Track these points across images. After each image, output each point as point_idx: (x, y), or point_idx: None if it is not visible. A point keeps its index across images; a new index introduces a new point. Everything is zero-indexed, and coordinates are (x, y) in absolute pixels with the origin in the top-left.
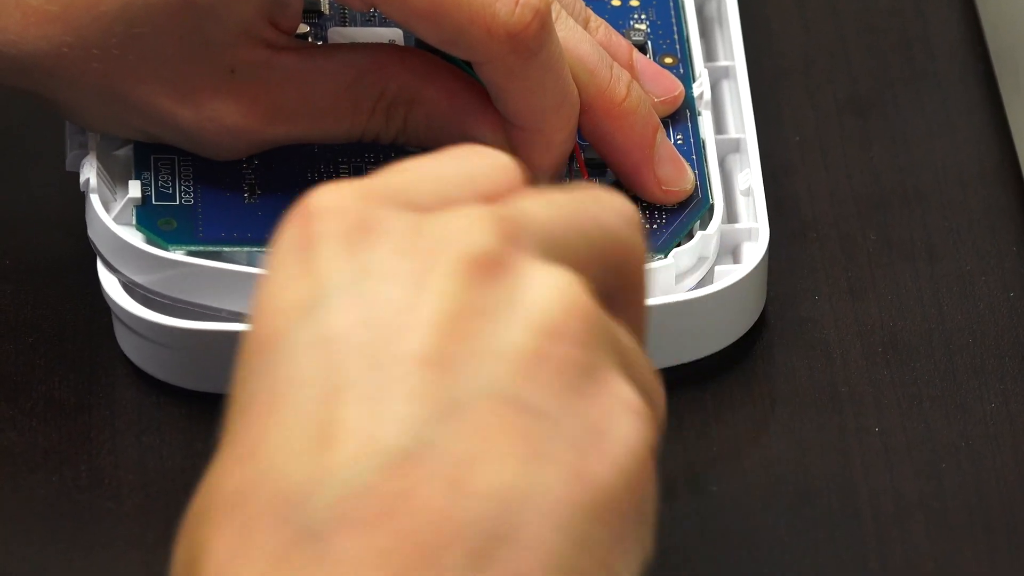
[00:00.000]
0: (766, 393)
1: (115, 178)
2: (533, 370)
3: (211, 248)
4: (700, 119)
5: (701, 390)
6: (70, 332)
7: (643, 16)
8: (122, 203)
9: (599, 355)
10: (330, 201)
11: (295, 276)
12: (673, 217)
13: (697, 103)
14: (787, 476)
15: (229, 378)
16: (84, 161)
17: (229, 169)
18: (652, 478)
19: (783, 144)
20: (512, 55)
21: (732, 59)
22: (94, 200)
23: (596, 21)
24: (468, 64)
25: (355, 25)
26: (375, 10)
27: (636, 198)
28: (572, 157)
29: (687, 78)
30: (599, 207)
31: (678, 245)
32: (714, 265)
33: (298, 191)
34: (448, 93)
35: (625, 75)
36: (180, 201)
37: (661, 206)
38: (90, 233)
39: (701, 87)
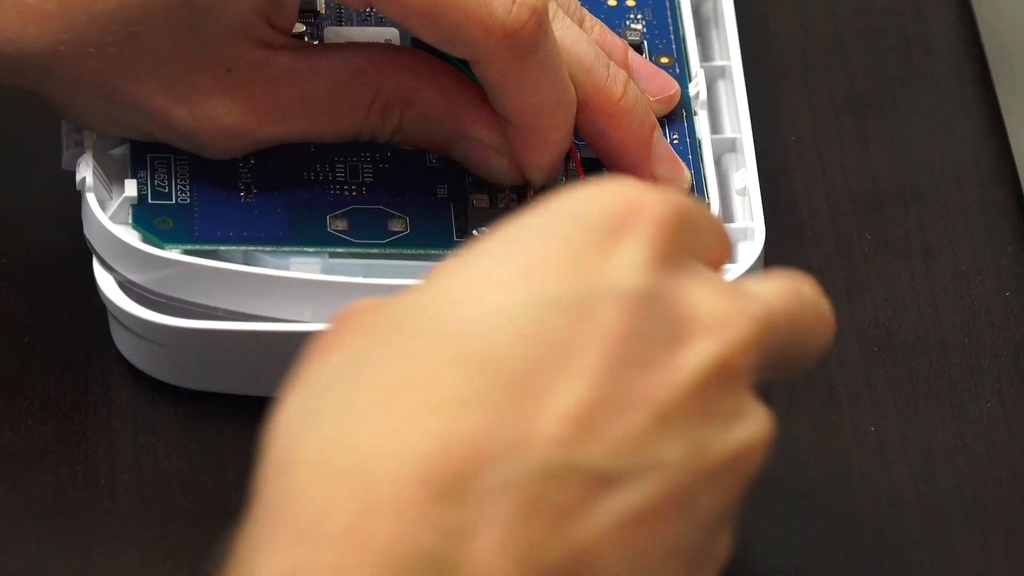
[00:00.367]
0: (761, 391)
1: (111, 177)
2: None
3: (207, 247)
4: (696, 119)
5: None
6: (66, 331)
7: (639, 16)
8: (118, 202)
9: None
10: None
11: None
12: None
13: (693, 103)
14: (783, 475)
15: (225, 377)
16: (80, 160)
17: (225, 168)
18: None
19: (780, 143)
20: (509, 53)
21: (728, 59)
22: (90, 199)
23: (591, 20)
24: (465, 64)
25: (351, 25)
26: (371, 9)
27: None
28: (568, 156)
29: (683, 78)
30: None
31: None
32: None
33: (294, 190)
34: (444, 92)
35: (622, 74)
36: (176, 200)
37: None
38: (86, 232)
39: (697, 87)
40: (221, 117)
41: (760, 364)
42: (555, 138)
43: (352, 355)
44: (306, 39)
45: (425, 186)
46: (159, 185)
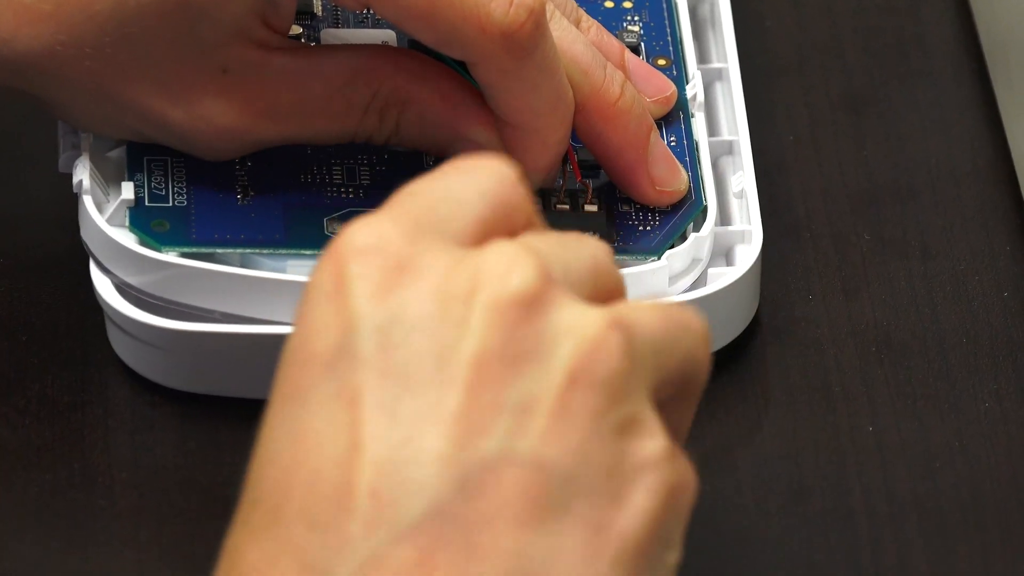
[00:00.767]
0: (759, 392)
1: (108, 179)
2: (556, 426)
3: (204, 249)
4: (693, 121)
5: None
6: (63, 331)
7: (636, 18)
8: (115, 205)
9: (623, 397)
10: (364, 239)
11: (323, 321)
12: (667, 219)
13: (690, 105)
14: (781, 475)
15: (221, 379)
16: (77, 163)
17: (222, 170)
18: (679, 509)
19: (777, 142)
20: (506, 55)
21: (725, 61)
22: (87, 202)
23: (588, 21)
24: (462, 65)
25: (348, 27)
26: (368, 11)
27: (630, 199)
28: (566, 158)
29: (680, 80)
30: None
31: (671, 247)
32: (707, 267)
33: (291, 192)
34: (441, 94)
35: (619, 75)
36: (173, 203)
37: (655, 208)
38: (83, 235)
39: (694, 89)
40: (217, 118)
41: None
42: (553, 140)
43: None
44: (303, 41)
45: None
46: (156, 188)
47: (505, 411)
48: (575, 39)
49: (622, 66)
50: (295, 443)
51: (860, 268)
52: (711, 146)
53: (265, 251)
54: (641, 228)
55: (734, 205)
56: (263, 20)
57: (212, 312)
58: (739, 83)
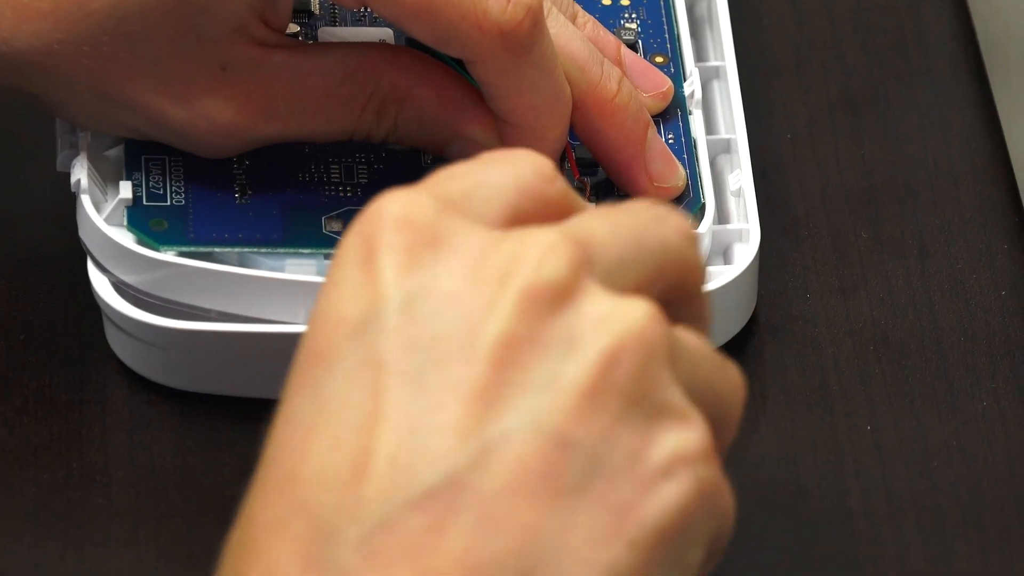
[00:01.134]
0: (757, 392)
1: (106, 178)
2: (584, 405)
3: (202, 249)
4: (691, 119)
5: None
6: (61, 329)
7: (634, 15)
8: (113, 204)
9: (658, 386)
10: (400, 209)
11: (353, 289)
12: None
13: (688, 103)
14: (778, 475)
15: (219, 378)
16: (75, 161)
17: (220, 170)
18: (710, 512)
19: (775, 141)
20: (504, 52)
21: (723, 59)
22: (85, 201)
23: (584, 16)
24: (460, 63)
25: (345, 25)
26: (366, 9)
27: (628, 196)
28: (564, 157)
29: (678, 78)
30: (660, 225)
31: None
32: (705, 266)
33: (289, 191)
34: (439, 92)
35: (616, 71)
36: (171, 202)
37: None
38: (81, 234)
39: (692, 87)
40: (216, 115)
41: (613, 280)
42: (551, 137)
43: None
44: (300, 39)
45: None
46: (154, 187)
47: (530, 390)
48: (572, 35)
49: (618, 62)
50: (317, 407)
51: (858, 267)
52: (709, 144)
53: (263, 250)
54: None
55: (732, 203)
56: (261, 17)
57: (210, 311)
58: (736, 80)
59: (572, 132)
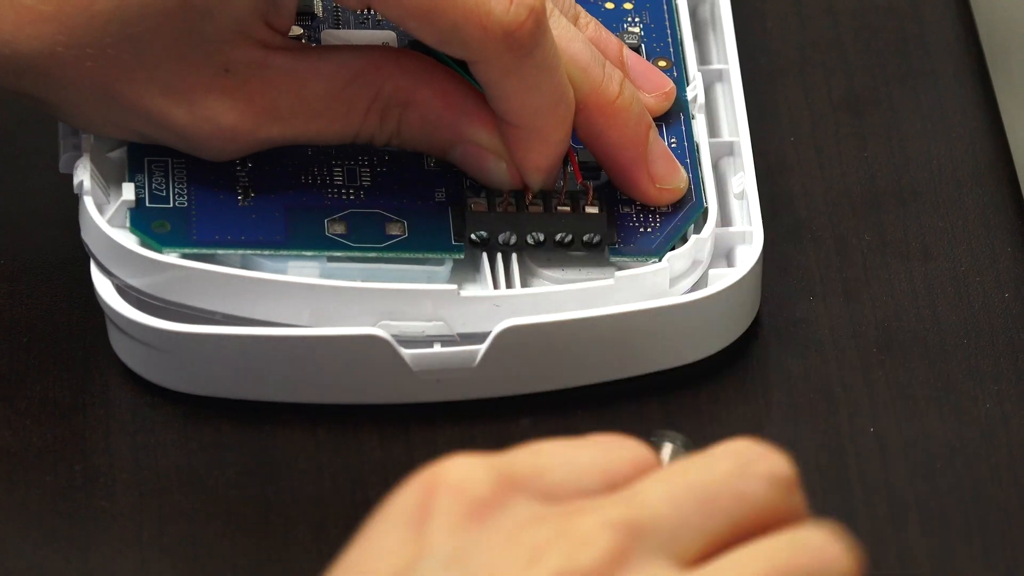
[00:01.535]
0: (760, 394)
1: (108, 180)
2: None
3: (205, 251)
4: (694, 122)
5: (696, 391)
6: (64, 332)
7: (637, 19)
8: (115, 206)
9: None
10: (459, 476)
11: (397, 546)
12: (667, 220)
13: (691, 106)
14: None
15: (222, 381)
16: (77, 163)
17: (223, 172)
18: None
19: (778, 143)
20: (507, 54)
21: (726, 62)
22: (88, 203)
23: (586, 18)
24: (463, 66)
25: (348, 27)
26: (369, 11)
27: (630, 200)
28: (566, 160)
29: (681, 81)
30: (740, 478)
31: (672, 249)
32: (708, 269)
33: (292, 194)
34: (443, 94)
35: (617, 73)
36: (174, 204)
37: (655, 209)
38: (84, 236)
39: (695, 90)
40: (219, 118)
41: (669, 552)
42: (554, 139)
43: None
44: (304, 42)
45: (423, 190)
46: (156, 189)
47: None
48: (573, 37)
49: (620, 63)
50: None
51: (861, 269)
52: (712, 147)
53: (266, 252)
54: (642, 230)
55: (735, 206)
56: (265, 20)
57: (213, 314)
58: (739, 84)
59: (574, 136)
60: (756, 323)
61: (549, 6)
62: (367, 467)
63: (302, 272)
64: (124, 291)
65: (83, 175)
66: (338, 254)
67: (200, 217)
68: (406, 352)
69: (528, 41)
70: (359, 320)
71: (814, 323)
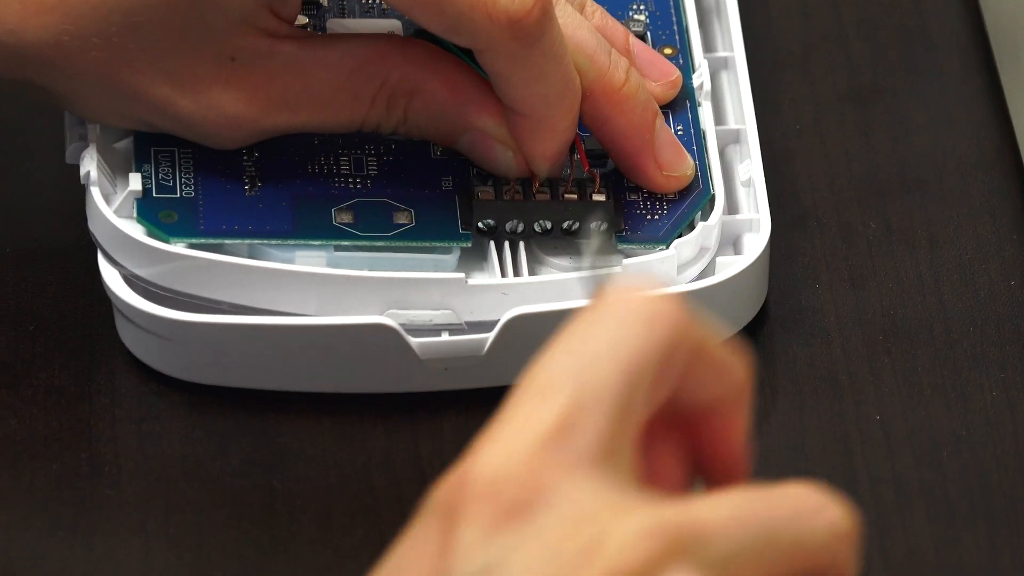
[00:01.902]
0: (766, 382)
1: (115, 170)
2: None
3: (212, 240)
4: (700, 110)
5: None
6: (70, 320)
7: (642, 7)
8: (123, 196)
9: None
10: (493, 471)
11: (424, 555)
12: (675, 208)
13: (697, 94)
14: (788, 464)
15: (229, 370)
16: (84, 154)
17: (230, 161)
18: None
19: (783, 132)
20: (514, 42)
21: (731, 50)
22: (95, 193)
23: (592, 6)
24: (469, 54)
25: (354, 16)
26: (375, 0)
27: (637, 188)
28: (573, 148)
29: (687, 69)
30: (803, 521)
31: (680, 236)
32: (715, 256)
33: (299, 183)
34: (449, 83)
35: (623, 61)
36: (181, 194)
37: (663, 197)
38: (91, 226)
39: (701, 78)
40: (225, 107)
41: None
42: (561, 127)
43: None
44: (310, 31)
45: (430, 178)
46: (163, 179)
47: None
48: (579, 24)
49: (627, 51)
50: None
51: (867, 257)
52: (718, 135)
53: (273, 242)
54: (649, 217)
55: (741, 194)
56: (270, 9)
57: (220, 303)
58: (745, 71)
59: (581, 124)
60: (762, 311)
61: None
62: (373, 457)
63: (309, 261)
64: (131, 281)
65: (90, 165)
66: (345, 243)
67: (207, 207)
68: (414, 341)
69: (534, 29)
70: (367, 309)
71: (820, 311)
